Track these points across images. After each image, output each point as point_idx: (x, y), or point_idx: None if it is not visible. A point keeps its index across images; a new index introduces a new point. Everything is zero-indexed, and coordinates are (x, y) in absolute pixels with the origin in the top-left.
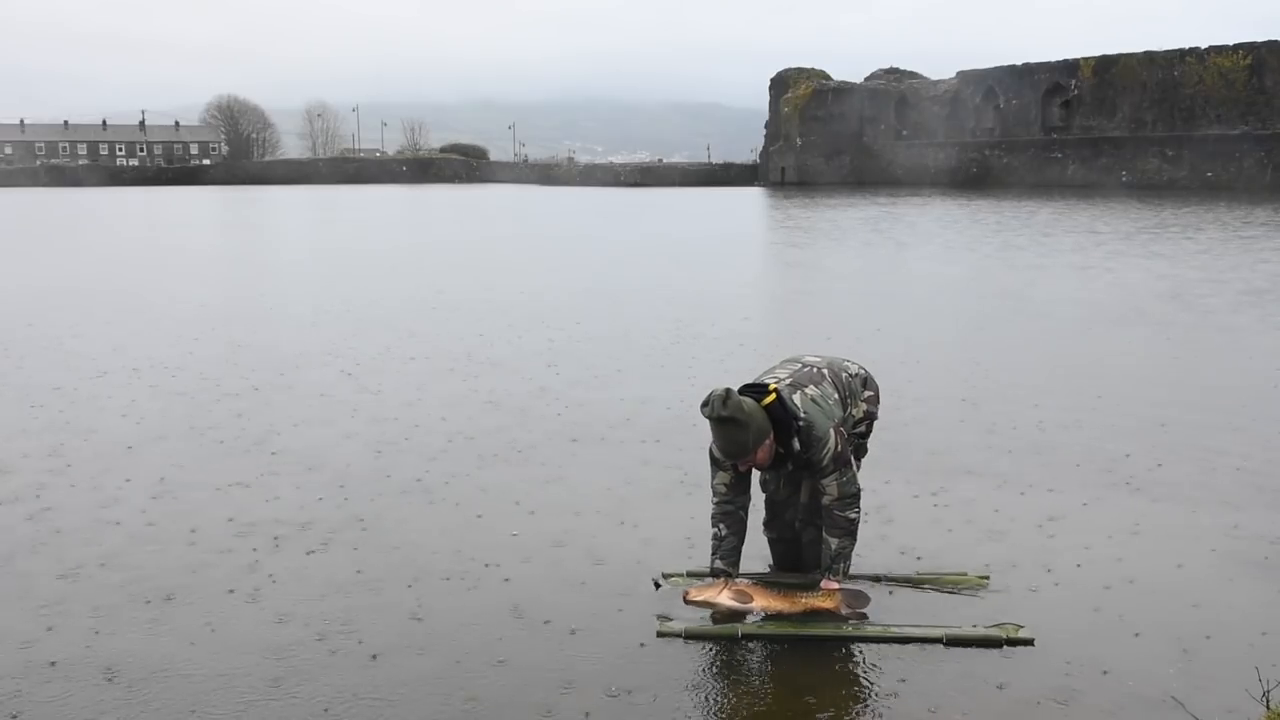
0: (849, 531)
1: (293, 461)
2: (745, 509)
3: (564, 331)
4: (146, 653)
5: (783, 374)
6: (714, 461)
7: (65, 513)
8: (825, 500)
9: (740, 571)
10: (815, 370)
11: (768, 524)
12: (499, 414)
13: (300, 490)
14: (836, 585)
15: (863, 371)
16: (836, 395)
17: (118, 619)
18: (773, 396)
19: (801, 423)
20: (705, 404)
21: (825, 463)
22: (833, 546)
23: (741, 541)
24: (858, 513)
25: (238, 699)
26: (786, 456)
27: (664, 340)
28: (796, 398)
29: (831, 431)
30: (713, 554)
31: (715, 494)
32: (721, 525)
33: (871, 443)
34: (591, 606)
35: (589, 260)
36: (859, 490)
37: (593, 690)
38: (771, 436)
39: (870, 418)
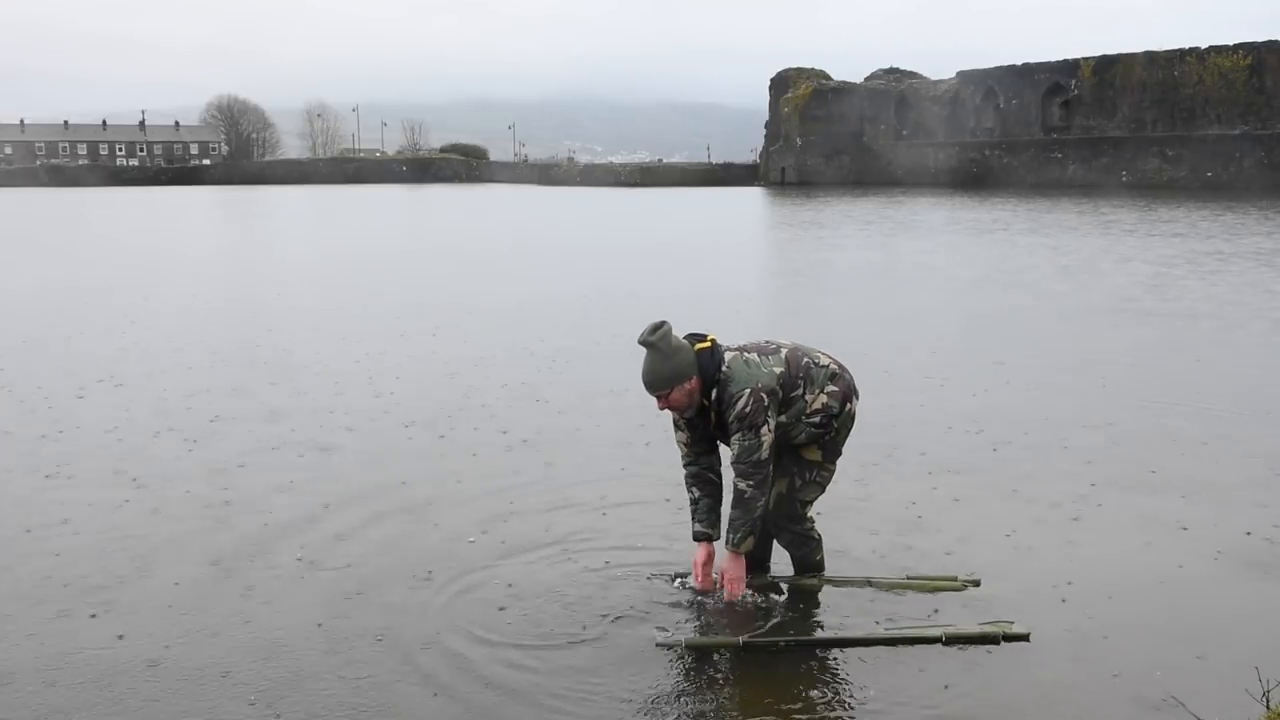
0: (741, 500)
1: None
2: (713, 469)
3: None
4: None
5: (741, 342)
6: (674, 421)
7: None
8: (731, 460)
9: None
10: (773, 345)
11: None
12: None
13: None
14: (737, 565)
15: (836, 368)
16: (782, 370)
17: None
18: (707, 344)
19: (721, 375)
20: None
21: (731, 419)
22: (731, 513)
23: (718, 502)
24: (752, 485)
25: None
26: (709, 410)
27: None
28: (729, 355)
29: (747, 391)
30: (692, 518)
31: (682, 456)
32: (694, 489)
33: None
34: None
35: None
36: (762, 461)
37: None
38: (693, 381)
39: (828, 411)
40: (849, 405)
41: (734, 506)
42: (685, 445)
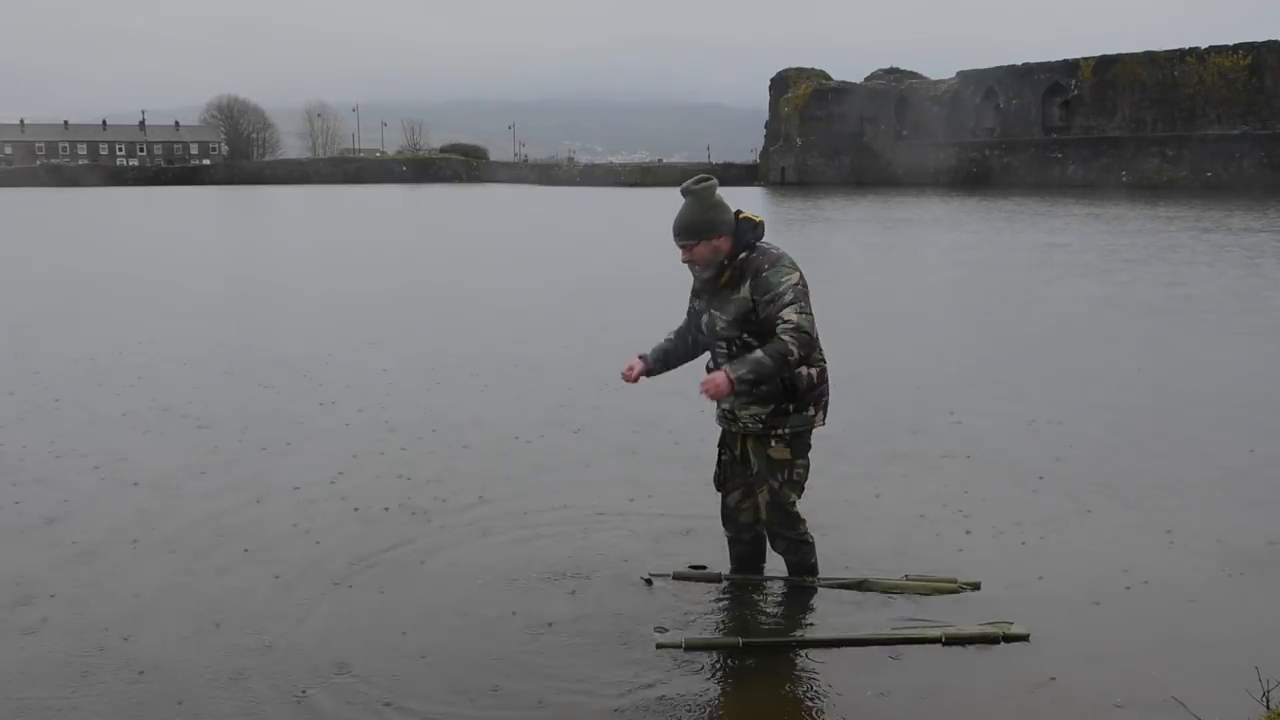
0: (776, 357)
1: None
2: (695, 338)
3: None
4: None
5: None
6: (692, 289)
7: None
8: (779, 328)
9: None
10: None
11: (724, 522)
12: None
13: None
14: (725, 380)
15: (823, 369)
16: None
17: None
18: (755, 219)
19: (759, 248)
20: None
21: (783, 289)
22: (757, 354)
23: (672, 349)
24: (795, 356)
25: None
26: (724, 272)
27: None
28: (775, 250)
29: (798, 274)
30: None
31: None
32: (672, 334)
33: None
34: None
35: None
36: (814, 339)
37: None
38: (722, 239)
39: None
40: (810, 410)
41: (767, 357)
42: (689, 314)
